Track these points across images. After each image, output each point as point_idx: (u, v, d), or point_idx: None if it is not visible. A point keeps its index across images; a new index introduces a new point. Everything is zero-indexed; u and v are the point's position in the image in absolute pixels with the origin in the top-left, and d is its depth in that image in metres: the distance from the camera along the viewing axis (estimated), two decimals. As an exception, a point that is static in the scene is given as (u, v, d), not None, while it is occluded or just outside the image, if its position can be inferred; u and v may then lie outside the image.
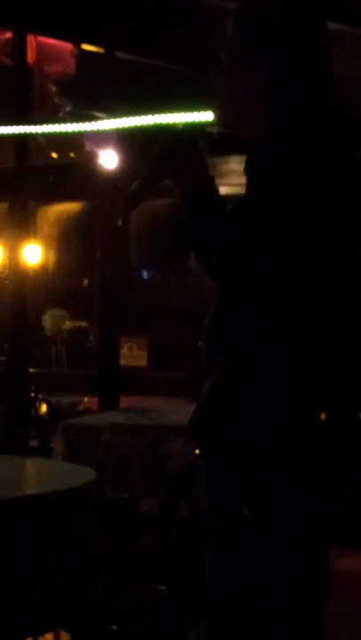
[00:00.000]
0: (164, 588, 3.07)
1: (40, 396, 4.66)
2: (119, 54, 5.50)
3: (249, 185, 1.58)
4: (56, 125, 5.25)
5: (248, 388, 1.52)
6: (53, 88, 5.74)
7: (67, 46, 5.87)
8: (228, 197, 1.72)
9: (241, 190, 1.59)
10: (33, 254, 6.78)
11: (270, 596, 1.56)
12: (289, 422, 1.51)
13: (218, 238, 1.53)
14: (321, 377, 1.54)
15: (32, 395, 4.92)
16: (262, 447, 1.50)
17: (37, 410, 4.46)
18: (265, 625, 1.57)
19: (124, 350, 6.59)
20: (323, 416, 1.52)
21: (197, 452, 1.77)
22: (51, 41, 5.87)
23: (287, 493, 1.52)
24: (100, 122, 5.09)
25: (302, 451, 1.51)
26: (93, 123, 5.11)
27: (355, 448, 1.56)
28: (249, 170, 1.59)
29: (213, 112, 1.73)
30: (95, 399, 5.36)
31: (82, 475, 2.45)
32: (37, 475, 2.73)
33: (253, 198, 1.54)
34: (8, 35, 5.71)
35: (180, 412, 3.91)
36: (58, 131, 5.24)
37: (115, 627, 3.07)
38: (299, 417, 1.51)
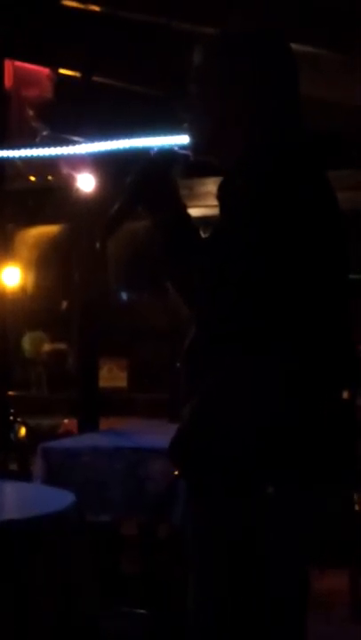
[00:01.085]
0: (145, 611, 3.05)
1: (19, 419, 4.64)
2: (96, 78, 5.55)
3: (223, 210, 1.60)
4: (33, 149, 5.28)
5: (245, 392, 1.53)
6: (31, 112, 5.76)
7: (44, 71, 5.91)
8: (205, 219, 1.74)
9: (217, 212, 1.61)
10: (11, 277, 6.77)
11: (270, 597, 1.56)
12: (289, 422, 1.52)
13: (196, 263, 1.54)
14: (320, 376, 1.56)
15: (11, 418, 4.89)
16: (260, 449, 1.51)
17: (16, 433, 4.45)
18: (264, 625, 1.57)
19: (104, 372, 6.58)
20: (323, 414, 1.55)
21: (176, 473, 1.77)
22: (28, 66, 5.91)
23: (287, 494, 1.53)
24: (77, 145, 5.12)
25: (302, 450, 1.53)
26: (70, 146, 5.14)
27: (351, 447, 1.59)
28: (221, 196, 1.61)
29: (186, 137, 1.75)
30: (75, 421, 5.34)
31: (61, 498, 2.44)
32: (16, 498, 2.71)
33: (229, 223, 1.56)
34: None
35: (159, 433, 3.91)
36: (35, 154, 5.26)
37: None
38: (299, 417, 1.53)
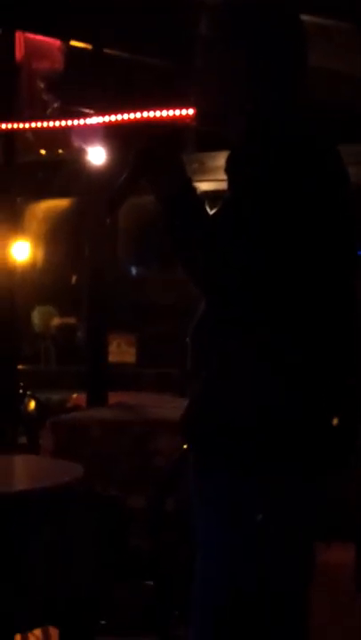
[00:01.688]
0: (151, 582, 3.08)
1: (28, 393, 4.66)
2: (107, 51, 5.50)
3: (230, 185, 1.58)
4: (44, 122, 5.25)
5: (247, 383, 1.52)
6: (41, 85, 5.73)
7: (55, 43, 5.87)
8: (217, 193, 1.72)
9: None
10: (21, 251, 6.77)
11: (272, 587, 1.56)
12: (293, 415, 1.51)
13: (201, 241, 1.52)
14: (323, 369, 1.55)
15: (20, 391, 4.91)
16: (264, 441, 1.50)
17: (26, 406, 4.47)
18: (265, 612, 1.57)
19: (113, 347, 6.59)
20: (325, 408, 1.54)
21: (185, 447, 1.76)
22: (39, 38, 5.87)
23: (291, 486, 1.53)
24: (87, 118, 5.09)
25: (307, 443, 1.52)
26: (81, 119, 5.11)
27: (352, 440, 1.59)
28: (229, 171, 1.59)
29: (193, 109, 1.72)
30: (84, 395, 5.36)
31: (70, 471, 2.46)
32: (26, 471, 2.73)
33: (236, 198, 1.55)
34: (-4, 31, 5.69)
35: (167, 407, 3.92)
36: (46, 127, 5.23)
37: (103, 622, 3.08)
38: (303, 410, 1.52)
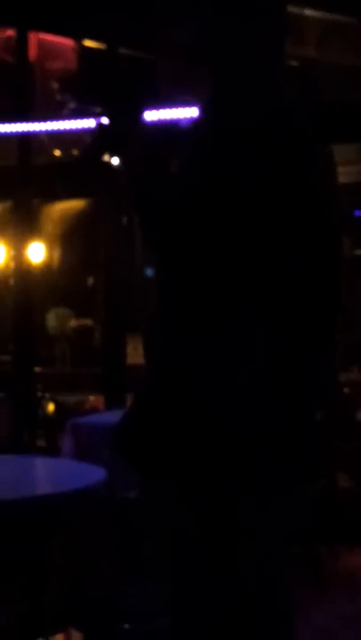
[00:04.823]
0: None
1: (47, 395, 4.64)
2: (121, 50, 5.48)
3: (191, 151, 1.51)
4: (59, 122, 5.23)
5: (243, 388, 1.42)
6: (55, 85, 5.72)
7: (68, 43, 5.85)
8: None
9: None
10: (37, 253, 6.75)
11: (266, 595, 1.48)
12: (290, 423, 1.44)
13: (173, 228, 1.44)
14: (315, 378, 1.48)
15: (38, 394, 4.90)
16: (264, 451, 1.42)
17: (44, 409, 4.45)
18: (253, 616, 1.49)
19: (130, 348, 6.56)
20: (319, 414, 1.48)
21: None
22: (52, 38, 5.85)
23: (290, 494, 1.46)
24: (103, 118, 5.06)
25: (304, 450, 1.46)
26: (97, 119, 5.08)
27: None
28: (193, 135, 1.53)
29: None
30: (101, 398, 5.34)
31: (92, 474, 2.43)
32: (48, 474, 2.70)
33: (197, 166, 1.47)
34: (9, 32, 5.69)
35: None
36: (61, 128, 5.21)
37: (126, 625, 3.05)
38: (298, 418, 1.45)
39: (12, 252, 5.75)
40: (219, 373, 1.41)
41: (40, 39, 5.86)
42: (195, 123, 1.54)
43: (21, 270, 5.55)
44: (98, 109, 5.12)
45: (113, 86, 5.21)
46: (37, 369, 5.88)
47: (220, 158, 1.44)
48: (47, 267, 7.43)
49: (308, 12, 4.96)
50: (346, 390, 5.04)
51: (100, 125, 1.57)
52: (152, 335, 1.54)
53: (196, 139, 1.50)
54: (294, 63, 5.01)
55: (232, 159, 1.44)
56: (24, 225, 5.59)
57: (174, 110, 4.51)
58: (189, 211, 1.43)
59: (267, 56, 1.55)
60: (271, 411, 1.43)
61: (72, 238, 7.54)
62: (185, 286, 1.46)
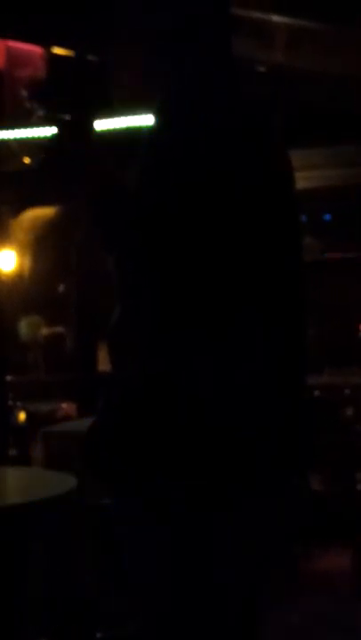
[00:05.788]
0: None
1: (18, 404, 4.61)
2: (90, 57, 5.47)
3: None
4: (28, 130, 5.21)
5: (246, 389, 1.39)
6: (24, 92, 5.69)
7: (37, 50, 5.83)
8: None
9: None
10: (7, 261, 6.72)
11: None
12: (290, 423, 1.43)
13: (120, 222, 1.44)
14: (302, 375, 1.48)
15: (10, 402, 4.86)
16: (264, 450, 1.40)
17: (16, 418, 4.42)
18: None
19: (102, 355, 6.54)
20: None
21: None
22: (21, 45, 5.83)
23: (289, 493, 1.46)
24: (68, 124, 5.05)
25: (304, 450, 1.47)
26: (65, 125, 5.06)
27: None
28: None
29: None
30: (74, 405, 5.31)
31: (63, 482, 2.42)
32: (19, 483, 2.69)
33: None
34: (-23, 40, 5.66)
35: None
36: (30, 135, 5.19)
37: (99, 633, 3.04)
38: (298, 418, 1.45)
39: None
40: (218, 373, 1.37)
41: (8, 46, 5.84)
42: (159, 123, 1.50)
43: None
44: (67, 116, 5.10)
45: (81, 93, 5.20)
46: (9, 377, 5.84)
47: (209, 158, 1.40)
48: (18, 275, 7.39)
49: (276, 17, 5.00)
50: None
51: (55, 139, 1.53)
52: (127, 338, 1.47)
53: (168, 138, 1.46)
54: (263, 69, 5.04)
55: (226, 158, 1.41)
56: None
57: (129, 119, 4.51)
58: (169, 214, 1.39)
59: (225, 57, 1.53)
60: (271, 411, 1.41)
61: (43, 246, 7.51)
62: (175, 287, 1.40)
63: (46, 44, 5.70)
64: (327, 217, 6.24)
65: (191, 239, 1.39)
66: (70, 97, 5.27)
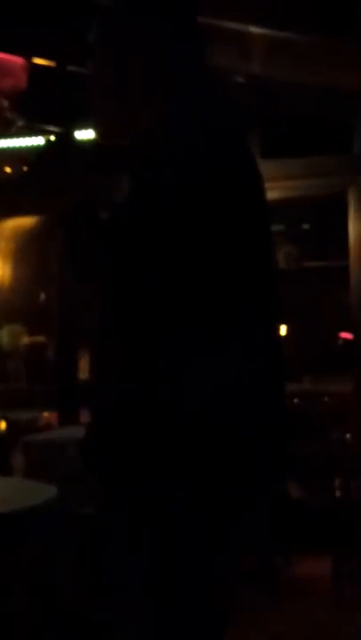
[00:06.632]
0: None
1: (-1, 413, 4.61)
2: (71, 68, 5.49)
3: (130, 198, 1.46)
4: (9, 140, 5.22)
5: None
6: (5, 103, 5.70)
7: (18, 61, 5.84)
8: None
9: None
10: (-12, 270, 6.71)
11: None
12: (280, 424, 1.43)
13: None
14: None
15: (-10, 412, 4.86)
16: (264, 451, 1.40)
17: (-4, 427, 4.42)
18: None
19: (83, 364, 6.54)
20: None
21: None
22: (2, 56, 5.84)
23: (277, 494, 1.46)
24: (53, 136, 5.07)
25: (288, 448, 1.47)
26: (47, 137, 5.09)
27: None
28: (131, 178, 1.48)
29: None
30: (55, 414, 5.31)
31: (43, 492, 2.43)
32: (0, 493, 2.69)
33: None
34: None
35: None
36: (11, 146, 5.21)
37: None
38: (286, 416, 1.44)
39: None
40: (218, 373, 1.36)
41: (-11, 57, 5.84)
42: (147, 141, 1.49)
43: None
44: (47, 127, 5.13)
45: (62, 104, 5.23)
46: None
47: (208, 159, 1.39)
48: (-1, 284, 7.39)
49: (254, 29, 5.04)
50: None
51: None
52: (120, 340, 1.45)
53: (164, 149, 1.44)
54: (240, 79, 5.08)
55: (226, 162, 1.41)
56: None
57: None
58: (168, 215, 1.38)
59: (201, 75, 1.53)
60: (271, 411, 1.41)
61: (24, 255, 7.50)
62: (175, 287, 1.39)
63: (28, 55, 5.71)
64: (305, 226, 6.30)
65: (191, 239, 1.39)
66: (51, 108, 5.32)
